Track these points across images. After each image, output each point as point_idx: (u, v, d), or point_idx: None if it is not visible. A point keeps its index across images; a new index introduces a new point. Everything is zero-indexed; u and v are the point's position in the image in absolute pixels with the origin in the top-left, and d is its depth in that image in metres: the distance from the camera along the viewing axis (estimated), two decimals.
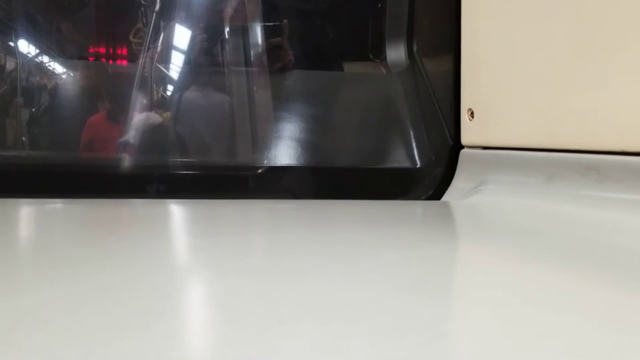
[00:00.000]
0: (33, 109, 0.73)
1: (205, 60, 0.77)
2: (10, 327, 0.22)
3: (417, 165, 0.71)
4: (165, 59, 0.76)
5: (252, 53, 0.77)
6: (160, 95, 0.75)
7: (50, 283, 0.28)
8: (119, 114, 0.74)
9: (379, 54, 0.79)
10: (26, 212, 0.53)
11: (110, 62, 0.78)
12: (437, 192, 0.67)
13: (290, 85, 0.77)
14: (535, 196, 0.53)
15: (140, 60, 0.75)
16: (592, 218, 0.46)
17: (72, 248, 0.37)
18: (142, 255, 0.35)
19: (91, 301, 0.25)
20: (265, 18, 0.78)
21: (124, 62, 0.78)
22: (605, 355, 0.21)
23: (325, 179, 0.72)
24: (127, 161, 0.71)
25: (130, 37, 0.76)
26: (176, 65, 0.77)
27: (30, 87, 0.74)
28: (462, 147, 0.67)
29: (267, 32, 0.77)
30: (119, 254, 0.35)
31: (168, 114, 0.75)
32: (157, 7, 0.76)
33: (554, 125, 0.53)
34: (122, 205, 0.58)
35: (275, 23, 0.77)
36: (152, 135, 0.73)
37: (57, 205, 0.57)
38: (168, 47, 0.76)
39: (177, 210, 0.56)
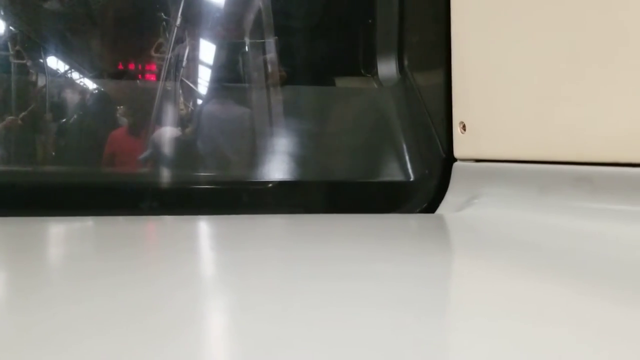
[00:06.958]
0: (56, 124, 0.73)
1: (220, 75, 0.78)
2: (37, 342, 0.22)
3: (410, 178, 0.71)
4: (186, 74, 0.77)
5: (248, 69, 0.77)
6: (180, 109, 0.76)
7: (76, 298, 0.29)
8: (139, 129, 0.75)
9: (370, 69, 0.80)
10: (59, 231, 0.54)
11: (132, 76, 0.78)
12: (431, 205, 0.67)
13: (283, 101, 0.77)
14: (528, 208, 0.53)
15: (162, 75, 0.75)
16: (585, 229, 0.46)
17: (96, 263, 0.38)
18: (158, 272, 0.36)
19: (111, 316, 0.26)
20: (257, 35, 0.79)
21: (145, 77, 0.79)
22: None
23: (318, 193, 0.72)
24: (146, 176, 0.72)
25: (152, 52, 0.77)
26: (203, 79, 0.79)
27: (53, 102, 0.74)
28: (455, 160, 0.67)
29: (258, 49, 0.78)
30: (140, 269, 0.36)
31: (188, 128, 0.75)
32: (179, 21, 0.76)
33: (545, 137, 0.53)
34: (140, 222, 0.60)
35: (268, 40, 0.78)
36: (172, 150, 0.74)
37: (81, 223, 0.57)
38: (189, 61, 0.77)
39: (180, 227, 0.56)
